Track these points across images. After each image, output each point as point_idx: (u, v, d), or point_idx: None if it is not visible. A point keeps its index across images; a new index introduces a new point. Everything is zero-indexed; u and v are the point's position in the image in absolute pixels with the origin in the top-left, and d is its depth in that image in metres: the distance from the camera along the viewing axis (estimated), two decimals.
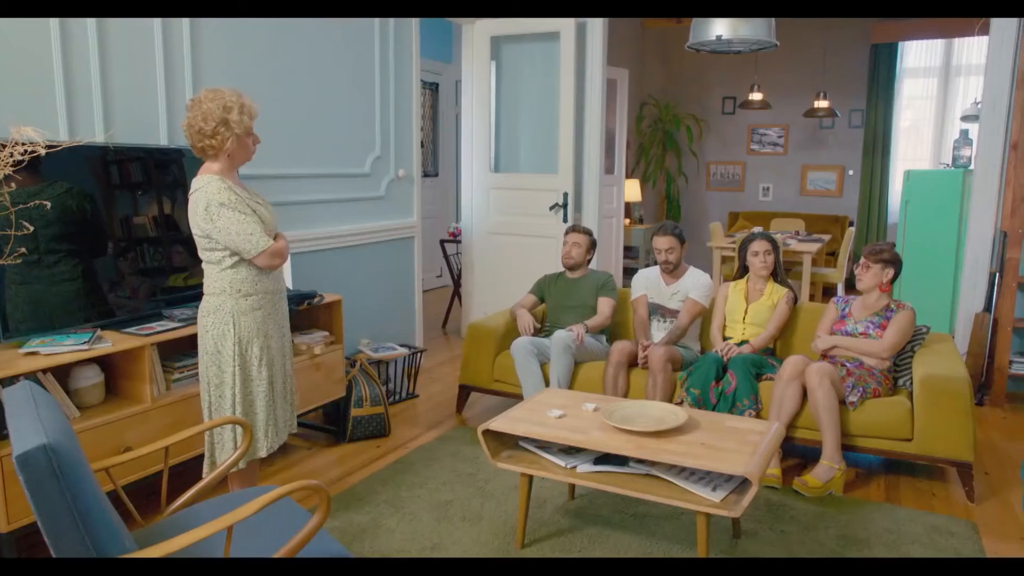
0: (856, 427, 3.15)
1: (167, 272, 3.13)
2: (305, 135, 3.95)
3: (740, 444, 2.44)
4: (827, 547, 2.64)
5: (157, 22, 3.15)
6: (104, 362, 2.75)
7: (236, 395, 2.46)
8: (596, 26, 5.15)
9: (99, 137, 2.92)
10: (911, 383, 3.28)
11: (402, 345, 4.39)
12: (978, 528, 2.80)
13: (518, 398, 3.85)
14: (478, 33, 5.37)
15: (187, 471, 2.83)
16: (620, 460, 2.56)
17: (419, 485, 3.15)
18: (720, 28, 3.34)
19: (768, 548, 2.63)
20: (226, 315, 2.44)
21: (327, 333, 3.58)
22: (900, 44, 7.72)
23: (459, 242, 5.95)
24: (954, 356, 3.29)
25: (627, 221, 8.29)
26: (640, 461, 2.53)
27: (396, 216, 4.66)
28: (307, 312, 3.56)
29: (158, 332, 2.77)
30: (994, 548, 2.68)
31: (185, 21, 3.26)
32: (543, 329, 4.10)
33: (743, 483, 2.37)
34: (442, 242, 6.33)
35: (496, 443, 2.71)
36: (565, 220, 5.24)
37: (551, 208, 5.28)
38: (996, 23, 4.17)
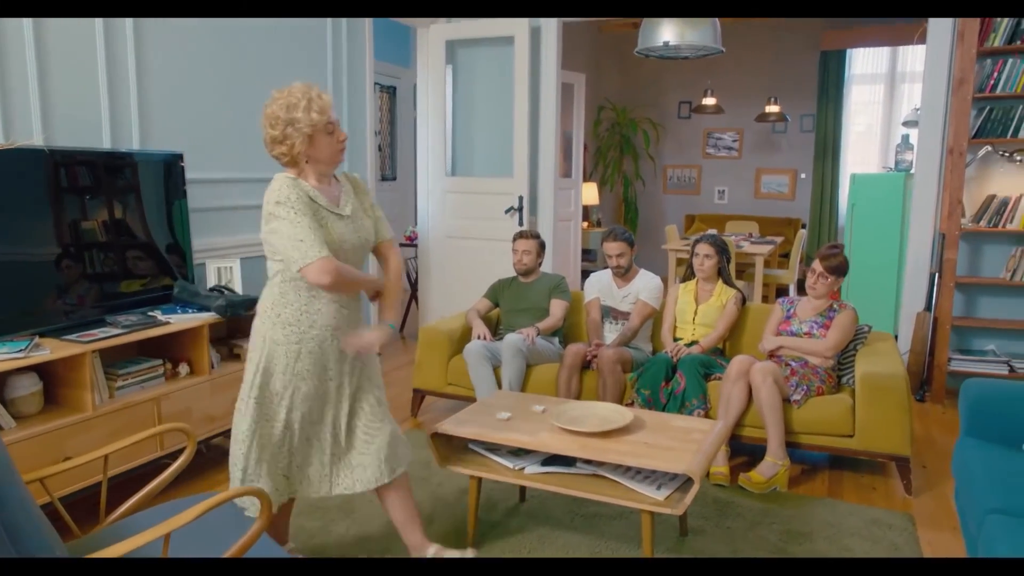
0: (800, 424, 3.22)
1: (114, 278, 3.07)
2: (255, 138, 3.90)
3: (683, 443, 2.48)
4: (770, 542, 2.69)
5: (99, 22, 3.10)
6: (43, 370, 2.69)
7: (247, 428, 2.18)
8: (550, 30, 5.19)
9: (37, 139, 2.86)
10: (854, 381, 3.38)
11: None
12: (914, 520, 2.89)
13: (472, 401, 3.86)
14: (433, 37, 5.37)
15: (132, 481, 2.78)
16: (568, 461, 2.58)
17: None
18: (667, 34, 3.40)
19: (714, 545, 2.68)
20: (259, 339, 2.17)
21: None
22: (848, 51, 7.93)
23: (416, 246, 5.94)
24: (894, 354, 3.39)
25: (585, 224, 8.36)
26: (587, 461, 2.56)
27: None
28: None
29: (100, 339, 2.72)
30: (928, 538, 2.77)
31: (128, 21, 3.21)
32: (498, 333, 4.11)
33: (687, 481, 2.42)
34: (399, 246, 6.31)
35: (447, 446, 2.72)
36: (521, 224, 5.26)
37: (507, 212, 5.31)
38: (932, 32, 4.31)
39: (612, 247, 3.92)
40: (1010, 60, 4.06)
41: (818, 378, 3.34)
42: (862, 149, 8.22)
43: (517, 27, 5.08)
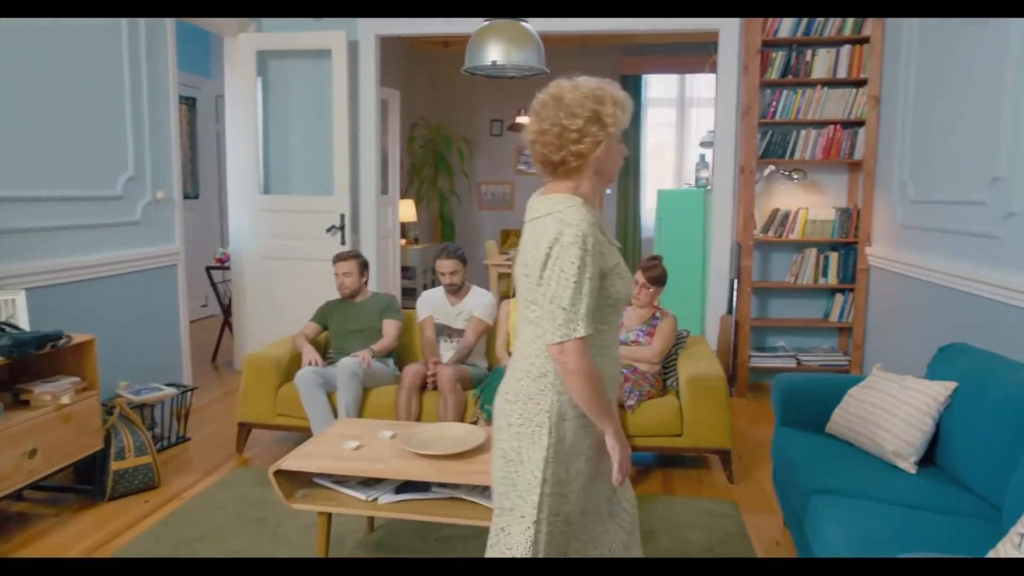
0: (634, 428, 3.39)
1: None
2: (41, 153, 3.43)
3: None
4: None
5: None
6: None
7: (535, 529, 1.68)
8: (368, 44, 5.09)
9: None
10: (677, 383, 3.62)
11: (168, 384, 3.97)
12: (738, 506, 3.15)
13: (305, 432, 3.65)
14: (243, 47, 5.06)
15: None
16: (422, 486, 2.51)
17: (200, 539, 2.85)
18: (494, 54, 3.46)
19: None
20: (544, 410, 1.67)
21: (77, 379, 3.12)
22: (644, 76, 8.58)
23: (228, 268, 5.54)
24: (710, 356, 3.69)
25: (403, 241, 8.28)
26: (442, 485, 2.51)
27: (155, 243, 4.22)
28: (51, 356, 3.08)
29: None
30: (752, 521, 3.02)
31: None
32: (328, 357, 3.93)
33: None
34: (208, 269, 5.85)
35: (289, 483, 2.54)
36: (343, 243, 5.09)
37: (328, 230, 5.11)
38: (722, 64, 4.78)
39: (445, 264, 3.90)
40: (784, 91, 4.60)
41: (647, 383, 3.54)
42: (658, 167, 8.92)
43: (334, 40, 4.92)
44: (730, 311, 4.85)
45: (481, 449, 2.55)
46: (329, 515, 2.49)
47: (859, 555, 1.90)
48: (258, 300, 5.26)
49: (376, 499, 2.45)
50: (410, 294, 7.84)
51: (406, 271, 8.14)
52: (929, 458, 2.51)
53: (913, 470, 2.45)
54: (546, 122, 1.66)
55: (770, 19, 4.51)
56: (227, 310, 5.75)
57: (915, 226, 3.84)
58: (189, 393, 4.03)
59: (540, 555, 1.69)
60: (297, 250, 5.16)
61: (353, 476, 2.54)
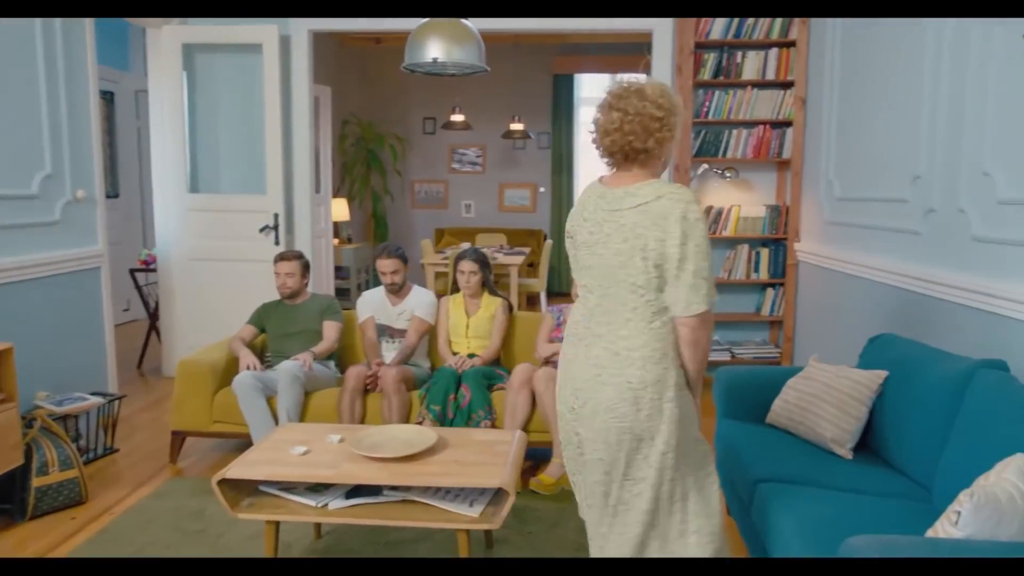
0: None
1: None
2: None
3: (491, 456, 2.50)
4: (571, 540, 2.82)
5: None
6: None
7: (670, 486, 1.91)
8: (301, 39, 4.97)
9: None
10: None
11: (94, 393, 3.78)
12: None
13: (244, 438, 3.55)
14: (167, 39, 4.86)
15: None
16: (373, 490, 2.47)
17: (135, 555, 2.72)
18: (435, 51, 3.42)
19: (520, 552, 2.74)
20: (671, 386, 1.84)
21: None
22: (576, 76, 8.67)
23: (154, 271, 5.32)
24: None
25: (336, 241, 8.13)
26: (393, 488, 2.47)
27: (76, 244, 4.00)
28: None
29: None
30: None
31: None
32: (265, 361, 3.82)
33: (496, 494, 2.44)
34: (132, 271, 5.60)
35: (233, 492, 2.45)
36: (277, 243, 4.96)
37: (261, 230, 4.97)
38: (656, 65, 4.87)
39: (386, 264, 3.84)
40: (717, 92, 4.72)
41: None
42: (593, 164, 9.03)
43: (265, 34, 4.78)
44: None
45: (433, 450, 2.53)
46: (277, 523, 2.42)
47: (807, 540, 1.97)
48: (187, 303, 5.07)
49: (326, 505, 2.39)
50: (344, 294, 7.70)
51: (340, 271, 8.00)
52: (863, 444, 2.62)
53: (850, 456, 2.56)
54: (630, 112, 1.81)
55: (702, 21, 4.63)
56: (153, 314, 5.52)
57: (841, 222, 4.01)
58: (117, 402, 3.85)
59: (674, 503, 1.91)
60: (229, 251, 4.99)
61: (301, 482, 2.47)
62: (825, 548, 1.88)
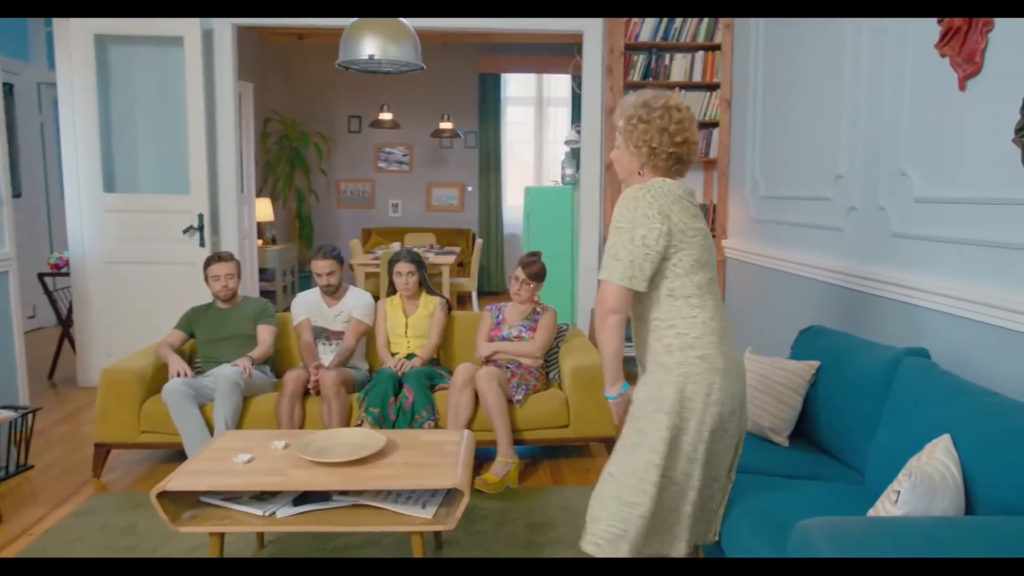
0: (523, 422, 3.45)
1: None
2: None
3: (442, 457, 2.49)
4: (519, 537, 2.84)
5: None
6: None
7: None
8: (224, 33, 4.80)
9: None
10: (560, 376, 3.72)
11: (3, 407, 3.55)
12: None
13: (174, 448, 3.41)
14: (77, 31, 4.60)
15: None
16: (322, 496, 2.42)
17: None
18: (370, 48, 3.37)
19: (470, 551, 2.73)
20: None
21: None
22: (503, 75, 8.70)
23: (66, 275, 5.03)
24: (591, 348, 3.81)
25: (260, 242, 7.89)
26: (344, 493, 2.42)
27: None
28: None
29: None
30: None
31: None
32: (195, 366, 3.68)
33: (447, 495, 2.43)
34: (41, 276, 5.28)
35: (173, 504, 2.35)
36: (202, 244, 4.78)
37: (185, 231, 4.77)
38: (587, 66, 4.94)
39: (322, 265, 3.77)
40: None
41: (532, 377, 3.60)
42: (519, 164, 9.09)
43: (187, 28, 4.60)
44: None
45: (383, 453, 2.49)
46: (222, 535, 2.33)
47: (756, 525, 2.05)
48: (105, 309, 4.82)
49: (274, 513, 2.33)
50: (269, 297, 7.48)
51: (264, 273, 7.76)
52: (798, 431, 2.74)
53: (786, 443, 2.67)
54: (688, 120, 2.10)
55: (632, 23, 4.73)
56: (66, 321, 5.22)
57: (767, 220, 4.17)
58: (30, 415, 3.62)
59: None
60: (149, 253, 4.78)
61: (245, 492, 2.39)
62: (774, 533, 1.96)
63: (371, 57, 3.36)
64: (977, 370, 2.39)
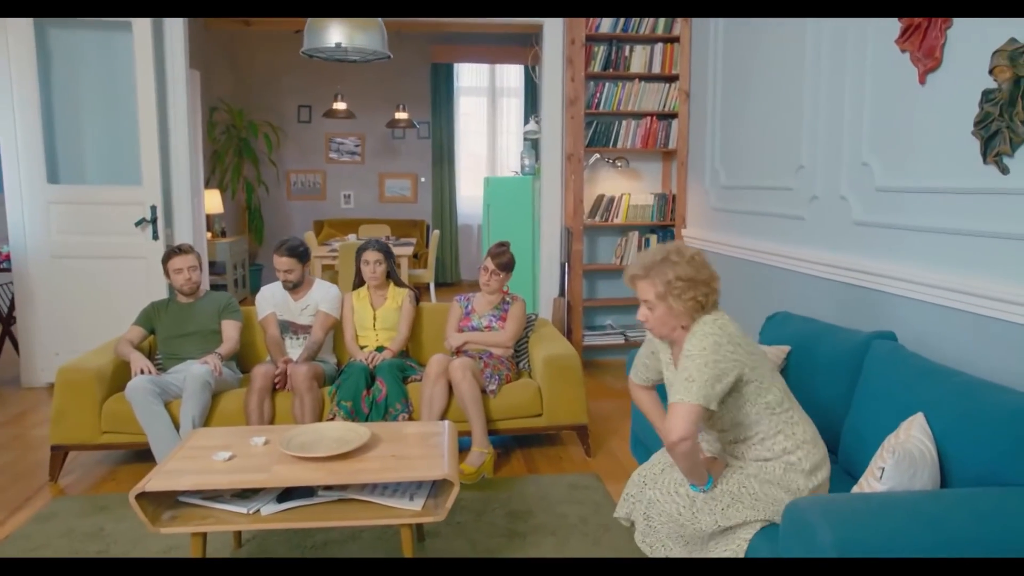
0: (497, 412, 3.46)
1: None
2: None
3: (427, 449, 2.48)
4: (501, 527, 2.85)
5: None
6: None
7: None
8: (175, 19, 4.63)
9: None
10: (529, 365, 3.75)
11: None
12: (600, 477, 3.34)
13: (139, 448, 3.30)
14: None
15: None
16: (306, 491, 2.38)
17: None
18: (337, 36, 3.31)
19: (453, 542, 2.73)
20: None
21: None
22: (455, 65, 8.64)
23: (7, 270, 4.80)
24: (560, 337, 3.84)
25: (209, 235, 7.67)
26: (329, 487, 2.39)
27: None
28: None
29: None
30: (615, 489, 3.20)
31: None
32: (156, 363, 3.57)
33: (434, 486, 2.42)
34: None
35: (151, 505, 2.28)
36: (155, 237, 4.62)
37: (137, 224, 4.61)
38: (547, 57, 4.96)
39: (282, 262, 3.69)
40: (607, 84, 4.88)
41: (504, 367, 3.61)
42: (472, 154, 9.05)
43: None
44: (562, 293, 5.08)
45: (368, 447, 2.47)
46: (204, 535, 2.28)
47: None
48: (51, 305, 4.62)
49: (258, 511, 2.28)
50: (219, 291, 7.29)
51: (214, 266, 7.57)
52: None
53: None
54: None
55: None
56: (7, 319, 4.99)
57: (727, 209, 4.27)
58: None
59: None
60: (99, 247, 4.60)
61: (226, 490, 2.34)
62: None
63: (338, 45, 3.31)
64: (941, 351, 2.51)
